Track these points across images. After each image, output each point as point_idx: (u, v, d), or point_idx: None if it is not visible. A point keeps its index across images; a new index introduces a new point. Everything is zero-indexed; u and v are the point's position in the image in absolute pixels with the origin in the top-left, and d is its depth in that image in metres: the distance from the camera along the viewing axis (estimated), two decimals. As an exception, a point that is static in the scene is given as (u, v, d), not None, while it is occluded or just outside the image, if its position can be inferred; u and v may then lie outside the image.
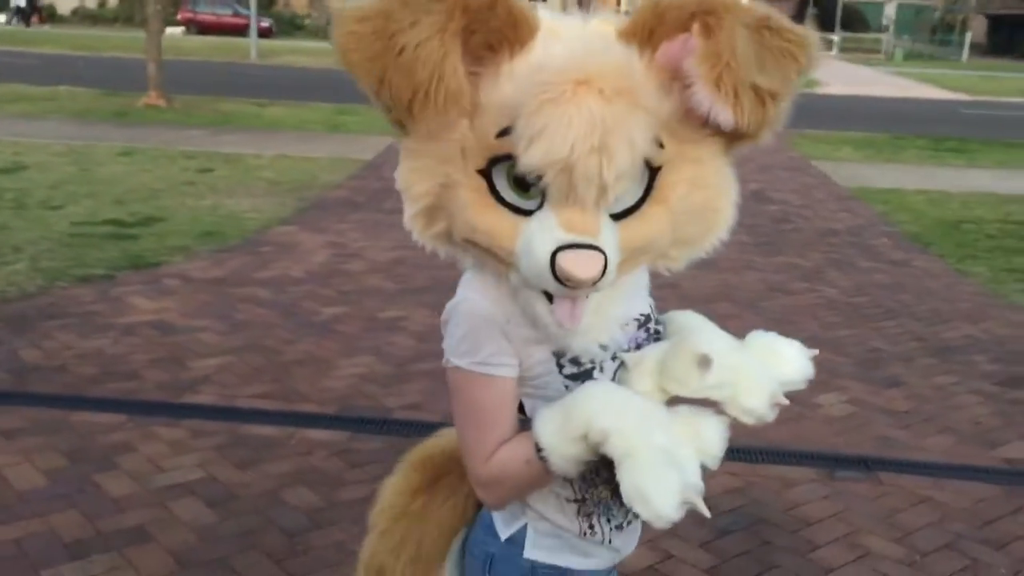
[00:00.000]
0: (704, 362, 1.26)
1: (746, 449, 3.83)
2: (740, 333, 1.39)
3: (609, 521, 1.41)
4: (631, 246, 1.24)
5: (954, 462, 3.88)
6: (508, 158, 1.18)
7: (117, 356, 4.52)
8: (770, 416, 1.28)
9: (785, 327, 5.35)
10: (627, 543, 1.49)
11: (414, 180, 1.26)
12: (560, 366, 1.32)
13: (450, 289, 1.38)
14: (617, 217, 1.22)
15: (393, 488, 1.59)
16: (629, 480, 1.16)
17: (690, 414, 1.27)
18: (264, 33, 28.88)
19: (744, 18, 1.17)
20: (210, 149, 11.00)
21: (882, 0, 48.21)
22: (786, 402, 1.29)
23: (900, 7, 48.42)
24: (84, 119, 13.03)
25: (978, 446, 4.05)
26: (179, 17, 34.42)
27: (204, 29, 34.64)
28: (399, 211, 1.31)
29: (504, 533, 1.43)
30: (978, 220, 9.04)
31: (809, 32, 1.21)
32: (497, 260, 1.25)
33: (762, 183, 10.27)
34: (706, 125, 1.21)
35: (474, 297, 1.31)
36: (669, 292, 6.08)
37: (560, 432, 1.23)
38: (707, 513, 1.19)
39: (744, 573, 3.02)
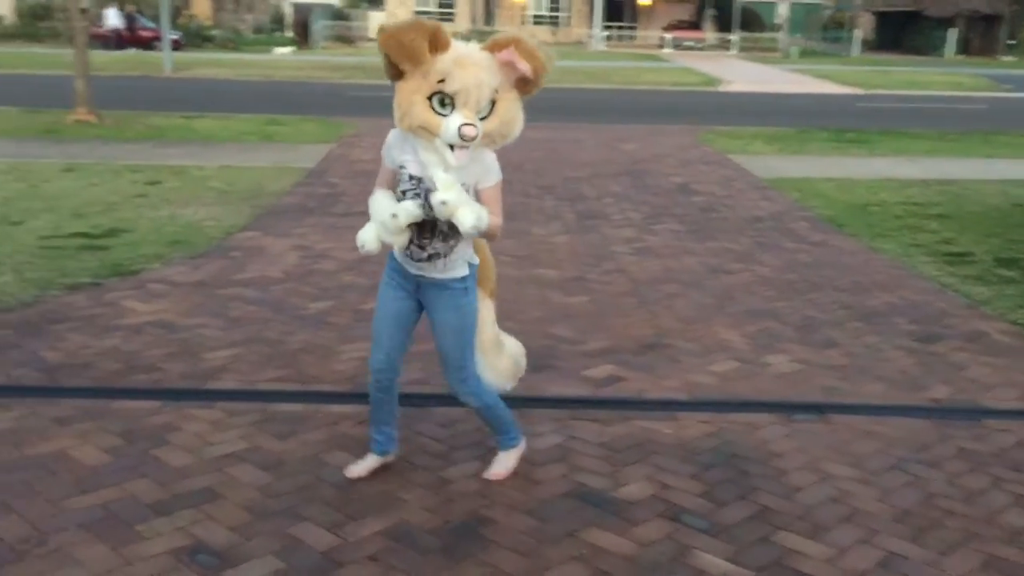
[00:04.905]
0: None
1: (716, 402, 4.44)
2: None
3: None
4: (485, 132, 3.03)
5: (891, 403, 4.54)
6: (439, 92, 2.96)
7: (134, 352, 4.88)
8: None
9: (729, 302, 6.06)
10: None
11: (401, 100, 3.01)
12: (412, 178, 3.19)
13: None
14: (480, 120, 3.03)
15: None
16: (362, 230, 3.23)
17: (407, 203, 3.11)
18: (174, 46, 28.73)
19: (529, 42, 3.05)
20: (154, 162, 11.21)
21: (775, 0, 50.12)
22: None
23: (793, 6, 50.43)
24: (15, 137, 13.04)
25: (907, 390, 4.73)
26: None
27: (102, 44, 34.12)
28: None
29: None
30: (883, 203, 9.90)
31: (546, 48, 3.07)
32: (430, 134, 3.00)
33: (685, 177, 10.97)
34: (514, 86, 3.05)
35: (390, 137, 3.22)
36: (620, 276, 6.68)
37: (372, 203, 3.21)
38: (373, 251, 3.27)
39: (731, 494, 3.60)
